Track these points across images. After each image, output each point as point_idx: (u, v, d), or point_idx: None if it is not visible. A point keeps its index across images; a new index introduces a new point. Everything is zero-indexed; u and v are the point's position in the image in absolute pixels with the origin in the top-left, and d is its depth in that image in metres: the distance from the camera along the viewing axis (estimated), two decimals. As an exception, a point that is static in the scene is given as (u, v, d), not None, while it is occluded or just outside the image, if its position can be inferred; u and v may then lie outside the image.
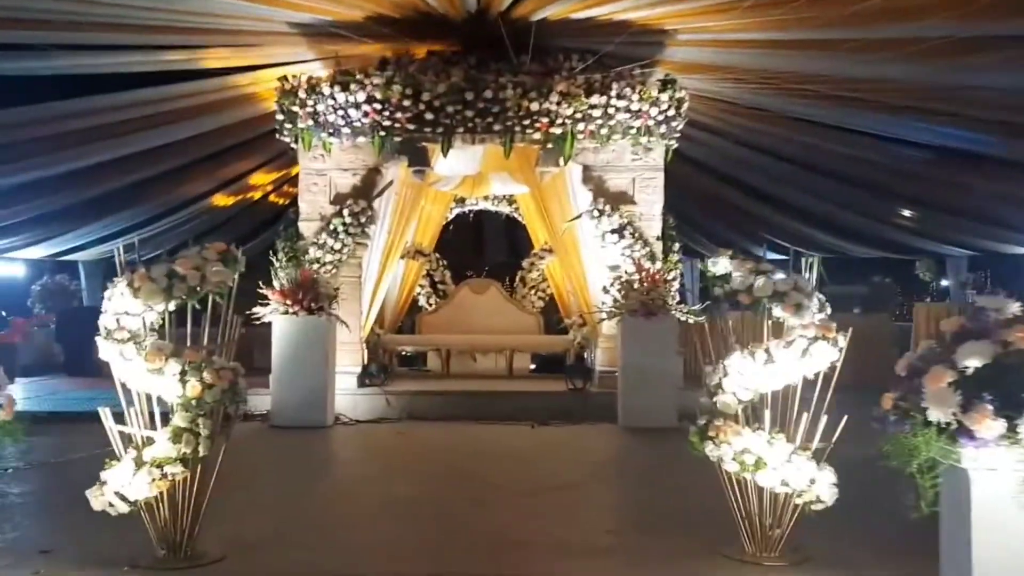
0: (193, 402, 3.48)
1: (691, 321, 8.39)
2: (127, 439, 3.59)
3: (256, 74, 9.67)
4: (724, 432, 3.69)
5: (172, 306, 3.64)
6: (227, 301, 3.78)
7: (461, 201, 12.72)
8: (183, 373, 3.46)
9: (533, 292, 12.45)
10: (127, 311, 3.53)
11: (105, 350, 3.48)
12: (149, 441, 3.52)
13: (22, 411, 3.53)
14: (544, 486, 5.64)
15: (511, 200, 12.72)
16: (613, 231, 8.91)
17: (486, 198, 12.70)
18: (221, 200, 14.01)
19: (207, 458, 3.58)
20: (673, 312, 8.27)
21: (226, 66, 9.52)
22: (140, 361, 3.43)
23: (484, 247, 16.83)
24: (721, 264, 3.99)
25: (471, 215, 13.53)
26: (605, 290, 8.55)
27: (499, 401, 8.70)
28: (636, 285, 8.28)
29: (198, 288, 3.60)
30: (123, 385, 3.55)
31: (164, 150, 11.61)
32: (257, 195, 14.64)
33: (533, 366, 11.77)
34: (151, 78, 9.67)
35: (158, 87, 9.83)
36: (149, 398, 3.61)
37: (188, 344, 3.66)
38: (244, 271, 3.85)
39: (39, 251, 14.66)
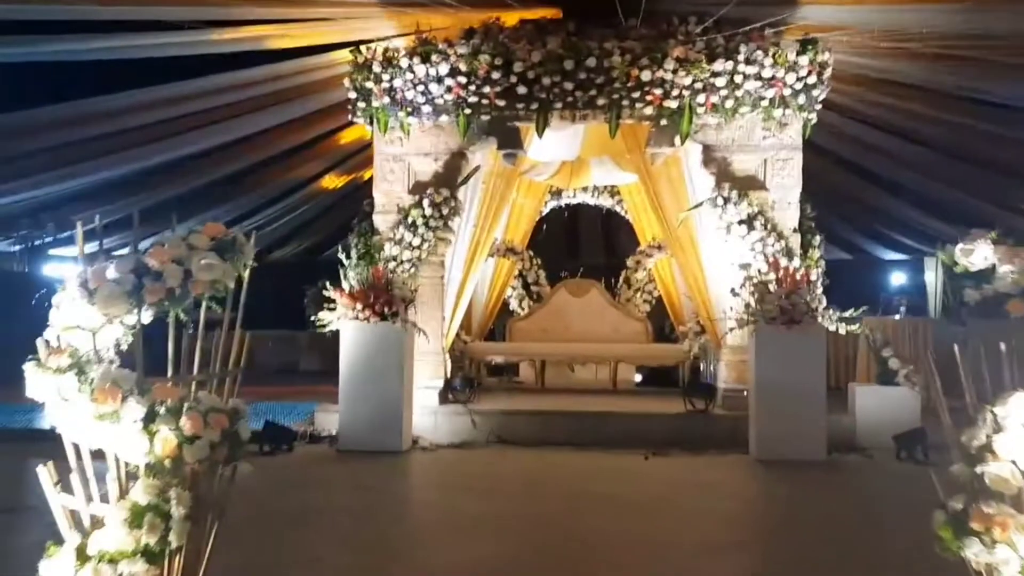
0: (165, 464, 2.28)
1: (844, 332, 6.87)
2: (75, 516, 2.41)
3: (332, 56, 8.64)
4: (1000, 525, 2.26)
5: (146, 317, 2.45)
6: (229, 309, 2.59)
7: (557, 194, 11.49)
8: (149, 418, 2.27)
9: (639, 295, 11.06)
10: (78, 324, 2.36)
11: (35, 384, 2.31)
12: (98, 524, 2.33)
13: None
14: (674, 549, 4.27)
15: (613, 191, 11.39)
16: (740, 222, 7.44)
17: (584, 189, 11.41)
18: (331, 181, 12.91)
19: (188, 549, 2.37)
20: (820, 320, 6.76)
21: (296, 45, 8.49)
22: (85, 401, 2.25)
23: (578, 246, 15.56)
24: (978, 252, 2.55)
25: (566, 210, 12.25)
26: (734, 293, 7.09)
27: (604, 423, 7.37)
28: (772, 287, 6.81)
29: (178, 290, 2.40)
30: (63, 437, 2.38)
31: (247, 141, 10.88)
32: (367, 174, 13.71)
33: (638, 378, 10.39)
34: (219, 64, 8.77)
35: (235, 71, 8.96)
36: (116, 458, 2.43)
37: (174, 374, 2.48)
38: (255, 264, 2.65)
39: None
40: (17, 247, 15.12)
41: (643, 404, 8.11)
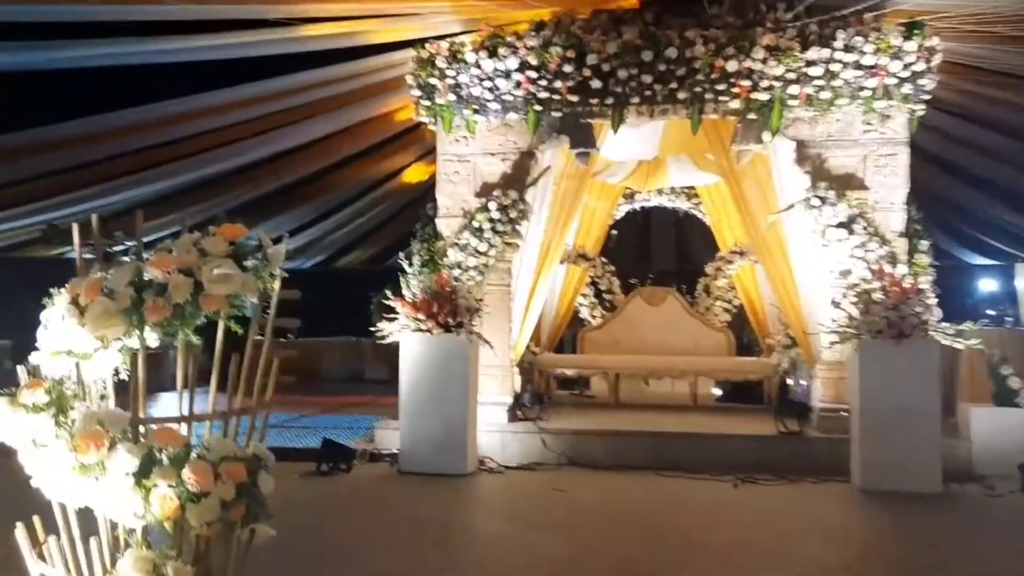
0: (164, 527, 1.81)
1: (962, 347, 6.12)
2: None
3: (391, 56, 8.24)
4: None
5: (150, 340, 1.99)
6: (255, 330, 2.11)
7: (630, 196, 10.87)
8: (144, 471, 1.80)
9: (718, 304, 10.37)
10: (69, 348, 1.90)
11: (5, 426, 1.85)
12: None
13: None
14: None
15: (691, 193, 10.73)
16: (838, 225, 6.73)
17: (660, 191, 10.78)
18: (415, 174, 12.46)
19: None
20: (933, 334, 6.03)
21: (356, 44, 8.09)
22: (62, 449, 1.79)
23: (649, 251, 14.89)
24: None
25: (640, 213, 11.64)
26: (835, 304, 6.39)
27: (686, 445, 6.74)
28: (878, 297, 6.10)
29: (189, 308, 1.92)
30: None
31: (310, 147, 10.61)
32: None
33: (718, 392, 9.69)
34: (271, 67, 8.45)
35: (294, 74, 8.66)
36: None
37: (187, 413, 2.00)
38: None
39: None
40: (91, 255, 15.21)
41: (727, 423, 7.45)
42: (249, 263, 2.01)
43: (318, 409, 9.69)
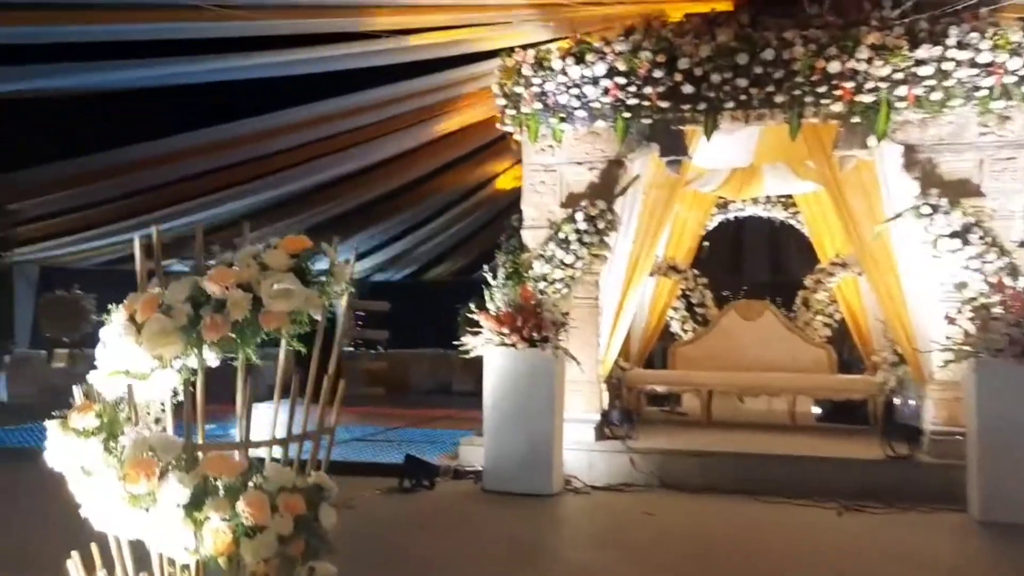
0: (218, 563, 1.68)
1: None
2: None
3: (475, 68, 8.17)
4: None
5: (210, 359, 1.87)
6: (319, 350, 1.97)
7: (723, 206, 10.49)
8: (195, 503, 1.67)
9: (818, 318, 9.87)
10: (127, 368, 1.80)
11: (56, 451, 1.76)
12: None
13: None
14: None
15: (788, 202, 10.28)
16: (952, 235, 6.27)
17: (755, 200, 10.36)
18: (508, 181, 12.39)
19: None
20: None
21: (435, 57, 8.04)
22: (111, 478, 1.68)
23: (742, 263, 14.40)
24: None
25: (733, 223, 11.22)
26: (950, 320, 5.93)
27: (785, 469, 6.36)
28: (997, 312, 5.63)
29: (248, 325, 1.79)
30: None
31: (399, 160, 10.68)
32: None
33: (817, 410, 9.20)
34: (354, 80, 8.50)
35: (379, 88, 8.71)
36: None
37: (243, 439, 1.88)
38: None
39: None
40: (189, 268, 15.71)
41: (829, 445, 7.02)
42: (314, 279, 1.87)
43: (404, 422, 9.65)
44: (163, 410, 1.92)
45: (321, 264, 2.03)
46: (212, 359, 1.89)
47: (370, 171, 11.18)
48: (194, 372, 1.86)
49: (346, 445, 7.91)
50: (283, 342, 1.93)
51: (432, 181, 11.96)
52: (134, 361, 1.81)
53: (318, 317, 1.92)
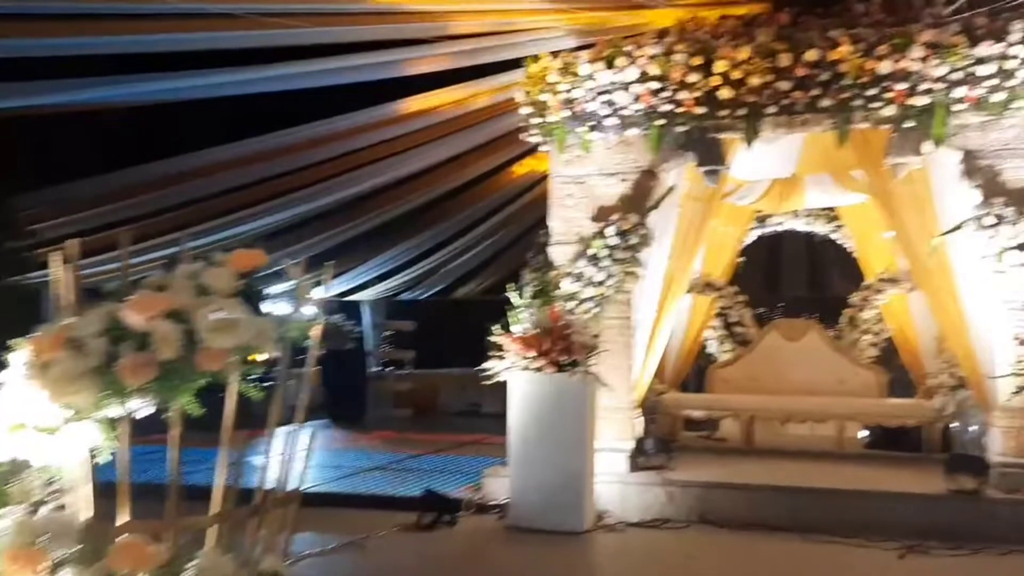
0: None
1: None
2: None
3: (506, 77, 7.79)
4: None
5: (137, 408, 1.46)
6: (278, 397, 1.55)
7: (762, 220, 9.98)
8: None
9: (865, 338, 9.31)
10: (30, 420, 1.39)
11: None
12: None
13: None
14: None
15: (831, 215, 9.76)
16: (1020, 247, 5.73)
17: (795, 214, 9.86)
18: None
19: None
20: None
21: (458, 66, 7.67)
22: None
23: (779, 279, 13.85)
24: None
25: (770, 238, 10.71)
26: (1021, 341, 5.39)
27: (837, 503, 5.84)
28: (1076, 333, 5.09)
29: (181, 366, 1.38)
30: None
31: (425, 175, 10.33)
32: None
33: (865, 433, 8.62)
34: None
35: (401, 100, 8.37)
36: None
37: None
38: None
39: (322, 291, 14.12)
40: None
41: (884, 477, 6.47)
42: (263, 306, 1.46)
43: (429, 448, 9.22)
44: (61, 478, 1.50)
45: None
46: (139, 409, 1.49)
47: (393, 187, 10.85)
48: (115, 426, 1.46)
49: (363, 475, 7.50)
50: (230, 389, 1.52)
51: (459, 196, 11.60)
52: (39, 412, 1.42)
53: (275, 354, 1.51)
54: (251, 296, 1.52)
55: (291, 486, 1.78)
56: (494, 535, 5.68)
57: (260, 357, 1.61)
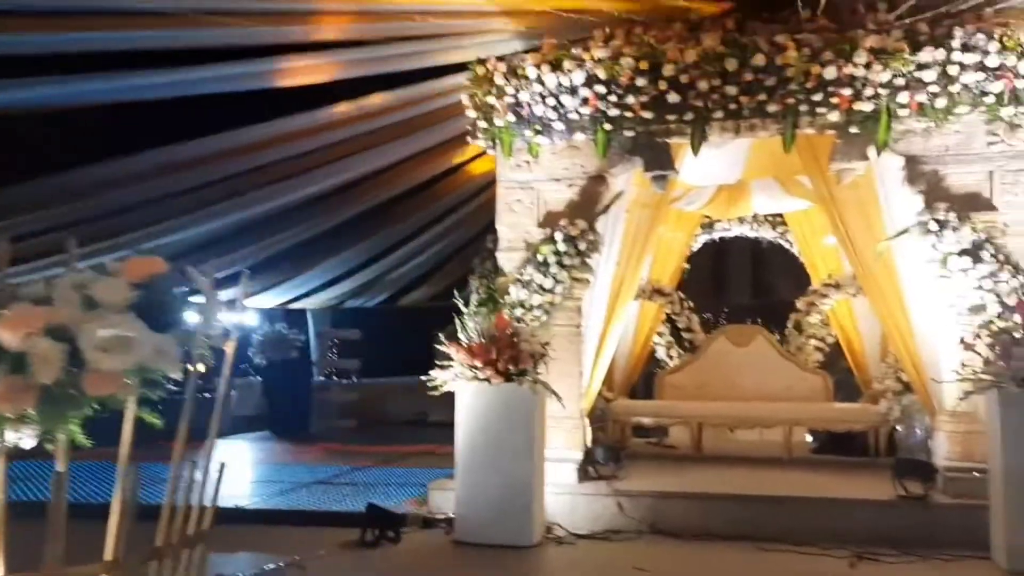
0: None
1: None
2: None
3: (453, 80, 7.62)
4: None
5: (25, 440, 1.26)
6: (184, 420, 1.37)
7: (709, 226, 10.01)
8: None
9: (811, 342, 9.36)
10: None
11: None
12: None
13: None
14: None
15: (776, 221, 9.82)
16: (962, 252, 5.76)
17: (741, 220, 9.89)
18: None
19: None
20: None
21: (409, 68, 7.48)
22: None
23: (725, 284, 13.96)
24: None
25: (715, 243, 10.74)
26: (967, 346, 5.40)
27: (788, 511, 5.78)
28: (1020, 336, 5.11)
29: (64, 391, 1.19)
30: None
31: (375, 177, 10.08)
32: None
33: (810, 438, 8.66)
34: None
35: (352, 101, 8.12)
36: None
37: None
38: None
39: (267, 300, 13.72)
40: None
41: (833, 483, 6.47)
42: (168, 319, 1.28)
43: (373, 460, 8.99)
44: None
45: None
46: (20, 440, 1.29)
47: (339, 192, 10.60)
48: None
49: (304, 490, 7.25)
50: (127, 414, 1.33)
51: (408, 201, 11.39)
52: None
53: (175, 375, 1.33)
54: (159, 308, 1.34)
55: (205, 505, 1.59)
56: (440, 551, 5.50)
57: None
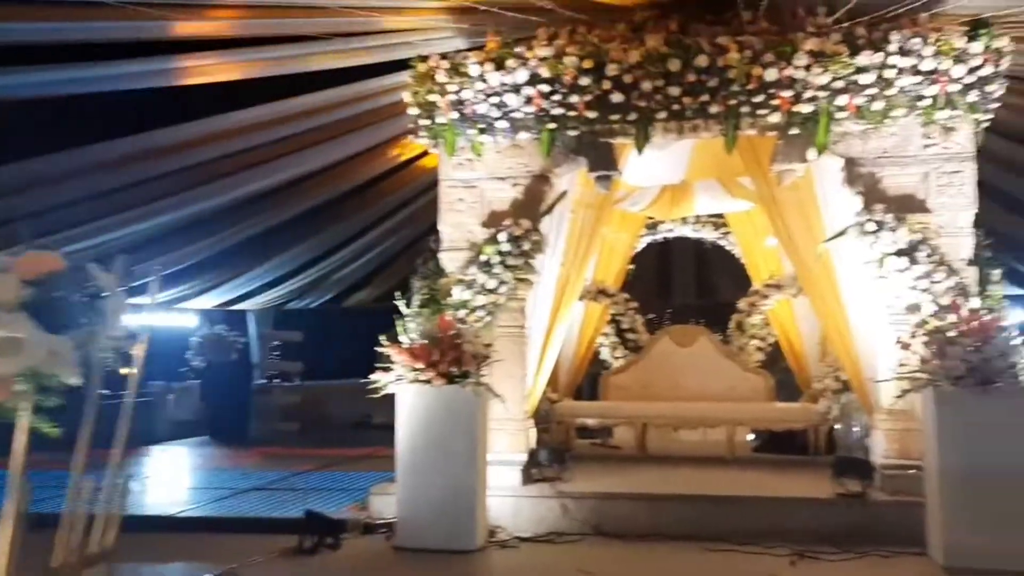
0: None
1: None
2: None
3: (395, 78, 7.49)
4: None
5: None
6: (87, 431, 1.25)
7: (653, 226, 10.07)
8: None
9: (752, 343, 9.47)
10: None
11: None
12: None
13: None
14: None
15: (718, 222, 9.92)
16: (898, 253, 5.85)
17: (684, 220, 9.97)
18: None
19: None
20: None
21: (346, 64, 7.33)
22: None
23: (669, 285, 14.04)
24: None
25: (660, 244, 10.80)
26: (904, 345, 5.48)
27: (731, 510, 5.81)
28: (954, 335, 5.20)
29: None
30: None
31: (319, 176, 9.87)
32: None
33: (752, 437, 8.73)
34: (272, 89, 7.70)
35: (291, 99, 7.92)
36: None
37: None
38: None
39: (206, 301, 13.37)
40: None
41: (774, 481, 6.53)
42: (63, 319, 1.17)
43: (315, 465, 8.80)
44: None
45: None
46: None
47: (282, 190, 10.36)
48: None
49: (241, 497, 7.06)
50: (21, 420, 1.21)
51: (352, 200, 11.20)
52: None
53: (72, 381, 1.22)
54: (56, 308, 1.22)
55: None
56: (380, 557, 5.38)
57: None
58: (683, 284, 13.94)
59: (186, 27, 6.21)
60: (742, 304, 9.46)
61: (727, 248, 10.27)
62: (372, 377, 5.74)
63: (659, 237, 10.30)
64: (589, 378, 9.98)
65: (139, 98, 7.59)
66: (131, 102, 7.69)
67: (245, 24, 6.35)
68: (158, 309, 13.96)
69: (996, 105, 6.04)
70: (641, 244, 10.16)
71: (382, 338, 5.82)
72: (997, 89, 5.93)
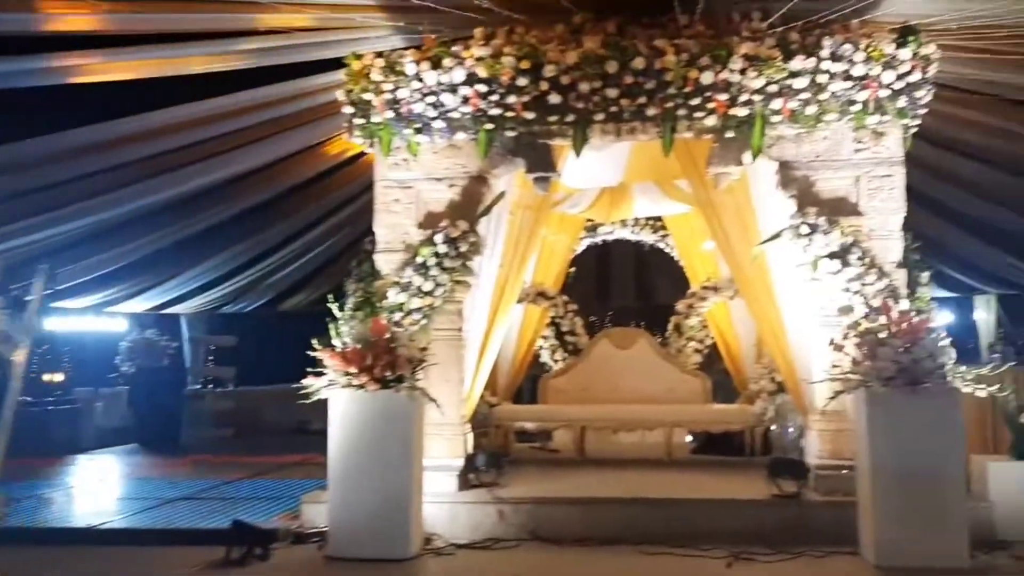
0: None
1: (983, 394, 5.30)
2: None
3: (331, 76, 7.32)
4: None
5: None
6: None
7: (592, 229, 10.09)
8: None
9: (690, 345, 9.53)
10: None
11: None
12: None
13: None
14: None
15: (656, 225, 9.98)
16: (831, 256, 5.92)
17: (623, 223, 10.01)
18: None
19: None
20: (953, 382, 5.20)
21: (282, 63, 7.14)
22: None
23: (608, 287, 14.10)
24: None
25: (599, 246, 10.83)
26: (836, 346, 5.54)
27: (668, 513, 5.80)
28: (885, 337, 5.28)
29: None
30: None
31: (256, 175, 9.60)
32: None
33: (690, 438, 8.78)
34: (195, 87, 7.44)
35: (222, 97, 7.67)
36: None
37: None
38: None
39: (137, 304, 12.91)
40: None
41: (711, 483, 6.55)
42: None
43: (247, 473, 8.56)
44: None
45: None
46: None
47: (215, 190, 10.07)
48: None
49: (168, 507, 6.82)
50: None
51: (288, 200, 10.95)
52: None
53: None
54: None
55: None
56: (312, 567, 5.22)
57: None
58: (622, 286, 14.01)
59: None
60: (680, 306, 9.52)
61: (666, 251, 10.34)
62: (304, 382, 5.57)
63: (598, 239, 10.32)
64: (528, 381, 9.93)
65: (53, 94, 7.28)
66: (42, 98, 7.37)
67: (157, 19, 6.10)
68: (86, 313, 13.53)
69: (924, 111, 6.16)
70: (580, 246, 10.15)
71: (315, 342, 5.67)
72: (925, 95, 6.06)
